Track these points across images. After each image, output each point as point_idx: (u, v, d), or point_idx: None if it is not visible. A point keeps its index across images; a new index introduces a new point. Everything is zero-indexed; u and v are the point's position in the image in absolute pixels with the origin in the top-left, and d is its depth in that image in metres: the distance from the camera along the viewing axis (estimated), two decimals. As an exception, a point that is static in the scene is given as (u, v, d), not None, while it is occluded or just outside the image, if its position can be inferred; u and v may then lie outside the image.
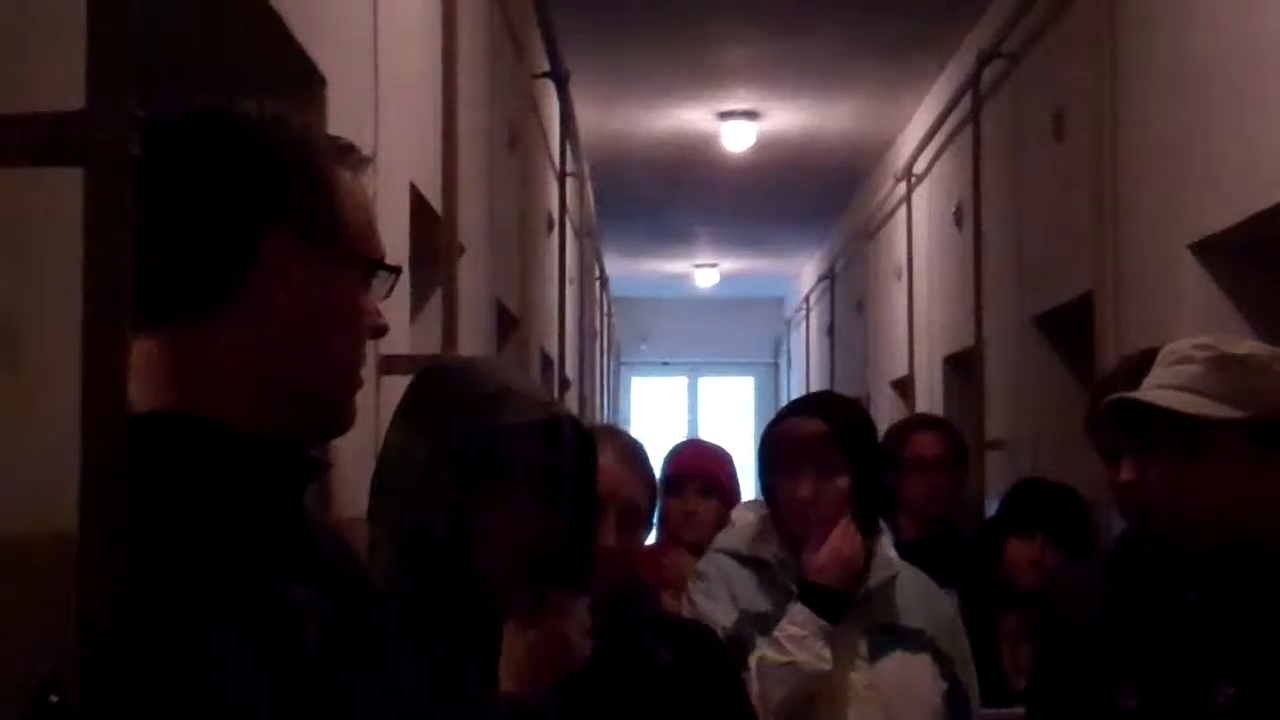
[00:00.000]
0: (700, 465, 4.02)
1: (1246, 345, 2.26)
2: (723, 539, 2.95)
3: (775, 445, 2.82)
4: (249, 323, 1.34)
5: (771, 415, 3.04)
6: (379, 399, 3.12)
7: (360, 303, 1.42)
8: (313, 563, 1.41)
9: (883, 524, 2.89)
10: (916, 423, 4.97)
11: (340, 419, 1.44)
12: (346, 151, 1.45)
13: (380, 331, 1.47)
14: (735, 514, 3.03)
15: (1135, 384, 2.37)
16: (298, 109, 1.49)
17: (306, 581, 1.37)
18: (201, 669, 1.22)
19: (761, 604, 2.79)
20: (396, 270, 1.47)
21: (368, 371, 2.96)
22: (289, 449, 1.39)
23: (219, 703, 1.22)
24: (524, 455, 1.95)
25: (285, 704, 1.28)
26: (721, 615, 2.75)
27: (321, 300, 1.37)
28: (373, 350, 3.04)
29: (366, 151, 3.04)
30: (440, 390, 2.01)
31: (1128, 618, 2.51)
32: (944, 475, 4.51)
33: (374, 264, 1.43)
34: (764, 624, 2.76)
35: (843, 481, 2.77)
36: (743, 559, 2.85)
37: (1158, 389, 2.23)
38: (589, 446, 2.05)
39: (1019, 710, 3.06)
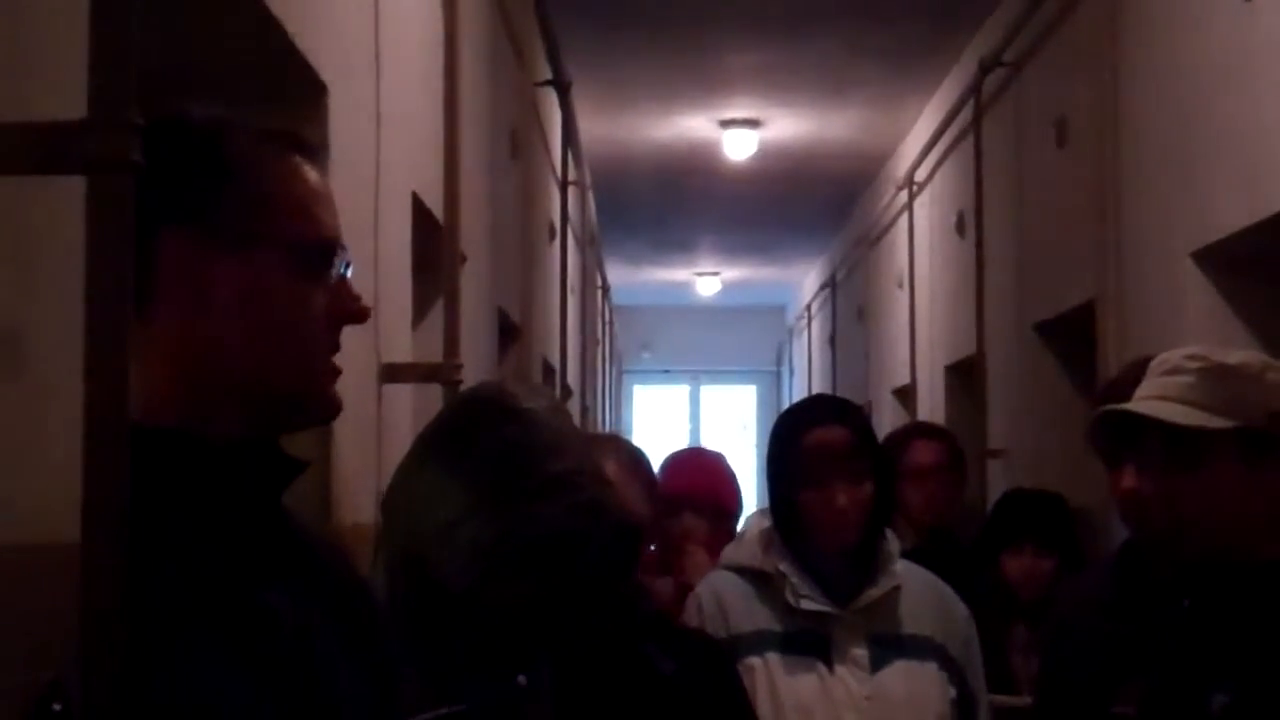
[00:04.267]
0: (695, 485, 3.92)
1: (1238, 355, 2.25)
2: (730, 553, 2.95)
3: (803, 457, 2.78)
4: (167, 325, 1.33)
5: (774, 422, 3.01)
6: (380, 407, 3.12)
7: (295, 287, 1.37)
8: (297, 567, 1.41)
9: (889, 532, 2.88)
10: (916, 431, 4.96)
11: (308, 411, 1.42)
12: (280, 137, 1.42)
13: (355, 316, 1.43)
14: (745, 525, 3.02)
15: (1133, 393, 2.38)
16: (300, 118, 1.49)
17: (289, 586, 1.37)
18: (175, 678, 1.22)
19: (758, 621, 2.79)
20: (332, 247, 1.41)
21: (368, 380, 2.97)
22: (259, 451, 1.38)
23: (197, 710, 1.23)
24: (559, 553, 1.88)
25: (263, 710, 1.28)
26: None
27: (240, 291, 1.35)
28: (374, 359, 3.04)
29: (368, 161, 3.05)
30: (487, 445, 1.89)
31: (1125, 626, 2.51)
32: (942, 484, 4.51)
33: (305, 245, 1.38)
34: (760, 642, 2.76)
35: (869, 488, 2.77)
36: (747, 573, 2.85)
37: (1149, 400, 2.23)
38: (631, 544, 1.99)
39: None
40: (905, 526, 4.34)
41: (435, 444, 1.94)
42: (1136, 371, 2.72)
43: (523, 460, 1.87)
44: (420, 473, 1.93)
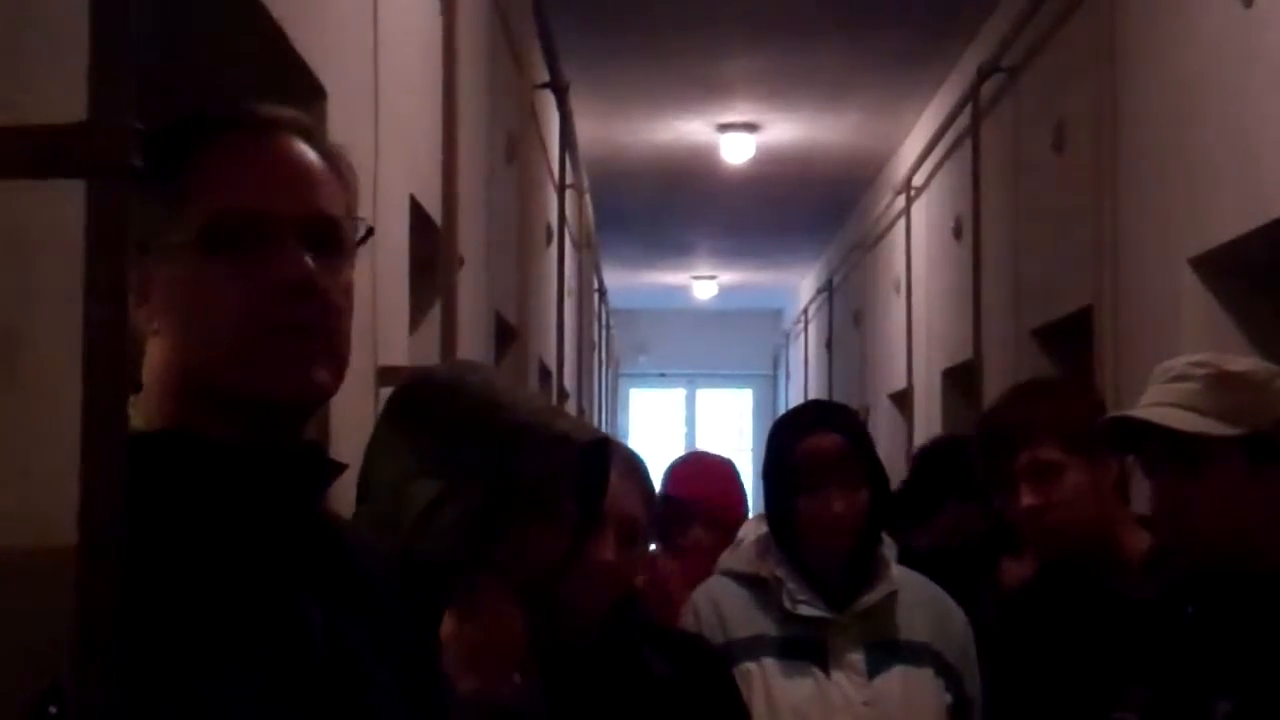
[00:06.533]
0: (708, 495, 3.88)
1: (1244, 362, 2.26)
2: (727, 559, 2.95)
3: (799, 463, 2.79)
4: (148, 339, 1.33)
5: (770, 428, 3.01)
6: (377, 410, 3.11)
7: (207, 276, 1.30)
8: (336, 575, 1.39)
9: (885, 538, 2.89)
10: None
11: (264, 405, 1.32)
12: (209, 123, 1.37)
13: (284, 284, 1.31)
14: (744, 530, 3.02)
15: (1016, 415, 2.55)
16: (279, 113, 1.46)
17: (325, 594, 1.36)
18: (199, 689, 1.22)
19: (755, 626, 2.79)
20: (253, 218, 1.32)
21: (365, 383, 2.97)
22: (293, 456, 1.36)
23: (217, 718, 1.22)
24: (536, 495, 1.90)
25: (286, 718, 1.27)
26: None
27: (164, 297, 1.32)
28: (371, 362, 3.04)
29: (366, 164, 3.04)
30: (444, 417, 1.90)
31: (1127, 631, 2.51)
32: None
33: (216, 226, 1.30)
34: (756, 647, 2.76)
35: (864, 494, 2.77)
36: (744, 579, 2.85)
37: (1155, 407, 2.23)
38: (601, 462, 2.02)
39: None
40: (930, 531, 4.48)
41: (395, 436, 1.94)
42: (1015, 398, 2.80)
43: (472, 425, 1.88)
44: (388, 469, 1.93)
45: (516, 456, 1.86)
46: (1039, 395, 2.85)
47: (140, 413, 1.31)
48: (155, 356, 1.34)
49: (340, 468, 1.43)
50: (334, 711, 1.31)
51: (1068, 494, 2.63)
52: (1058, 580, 2.76)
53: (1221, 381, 2.18)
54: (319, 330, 1.34)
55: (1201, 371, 2.20)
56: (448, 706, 1.52)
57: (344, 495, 2.28)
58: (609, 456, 2.06)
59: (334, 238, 1.37)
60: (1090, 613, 2.63)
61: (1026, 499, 2.65)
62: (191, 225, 1.31)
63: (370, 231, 1.45)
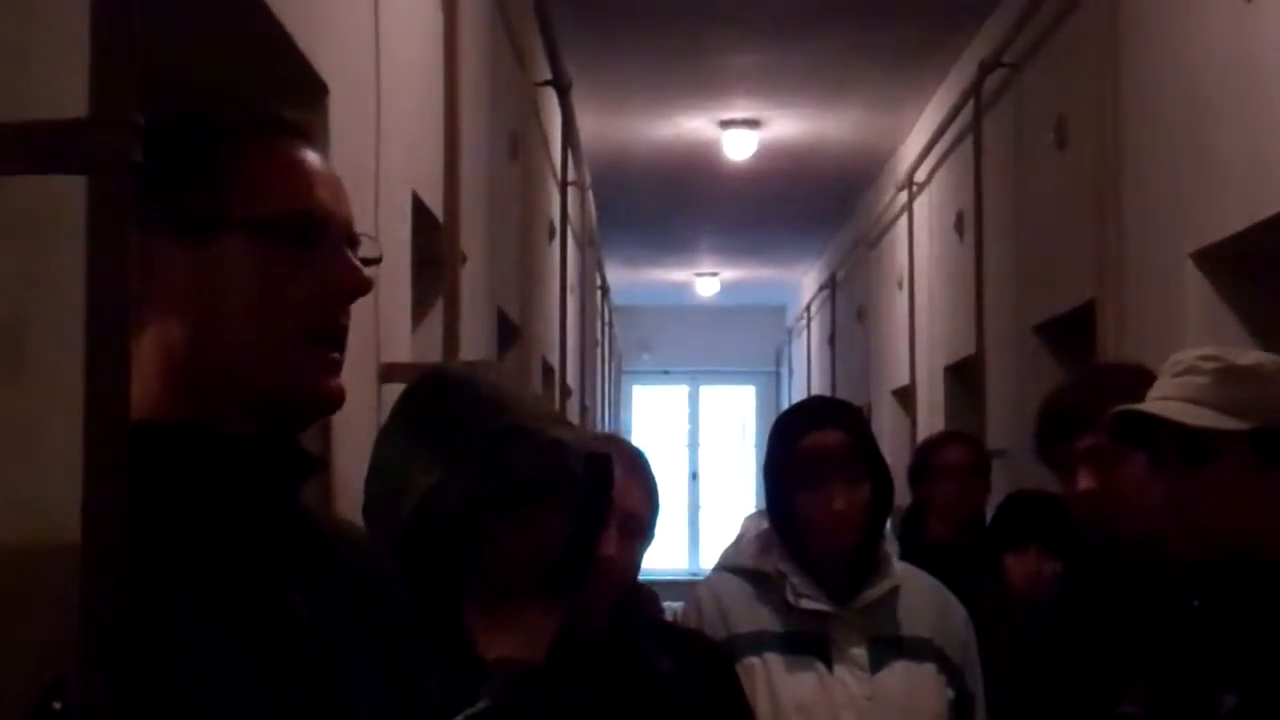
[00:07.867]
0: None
1: (1252, 356, 2.26)
2: (729, 554, 2.95)
3: (801, 459, 2.79)
4: (150, 323, 1.33)
5: (771, 424, 3.01)
6: (380, 407, 3.12)
7: (263, 270, 1.32)
8: (315, 566, 1.40)
9: (887, 533, 2.89)
10: (950, 436, 5.34)
11: (293, 404, 1.35)
12: (259, 121, 1.39)
13: (350, 288, 1.35)
14: (744, 526, 3.03)
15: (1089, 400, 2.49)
16: (300, 118, 1.48)
17: (306, 583, 1.37)
18: (193, 675, 1.22)
19: (758, 621, 2.79)
20: (313, 219, 1.35)
21: (367, 379, 2.97)
22: (274, 447, 1.37)
23: (210, 708, 1.23)
24: (524, 495, 1.92)
25: (277, 708, 1.28)
26: None
27: (198, 282, 1.32)
28: (373, 358, 3.04)
29: (368, 160, 3.05)
30: (449, 410, 1.94)
31: (1133, 626, 2.51)
32: (969, 483, 4.86)
33: (273, 222, 1.32)
34: (759, 642, 2.77)
35: (866, 490, 2.77)
36: (747, 574, 2.85)
37: (1163, 400, 2.23)
38: (604, 471, 2.03)
39: None
40: (938, 522, 4.73)
41: (402, 432, 1.98)
42: (1083, 380, 2.78)
43: (473, 422, 1.91)
44: (394, 462, 1.96)
45: (508, 455, 1.87)
46: (1108, 380, 2.82)
47: (146, 403, 1.31)
48: (151, 337, 1.33)
49: (315, 462, 1.44)
50: (318, 692, 1.33)
51: (1125, 483, 2.59)
52: (1098, 572, 2.74)
53: (1229, 375, 2.18)
54: (344, 338, 1.38)
55: (1209, 365, 2.20)
56: (423, 687, 1.53)
57: (345, 491, 2.29)
58: (611, 469, 2.06)
59: (354, 249, 1.41)
60: (1124, 607, 2.62)
61: (1084, 483, 2.62)
62: (240, 214, 1.32)
63: (379, 259, 1.48)
